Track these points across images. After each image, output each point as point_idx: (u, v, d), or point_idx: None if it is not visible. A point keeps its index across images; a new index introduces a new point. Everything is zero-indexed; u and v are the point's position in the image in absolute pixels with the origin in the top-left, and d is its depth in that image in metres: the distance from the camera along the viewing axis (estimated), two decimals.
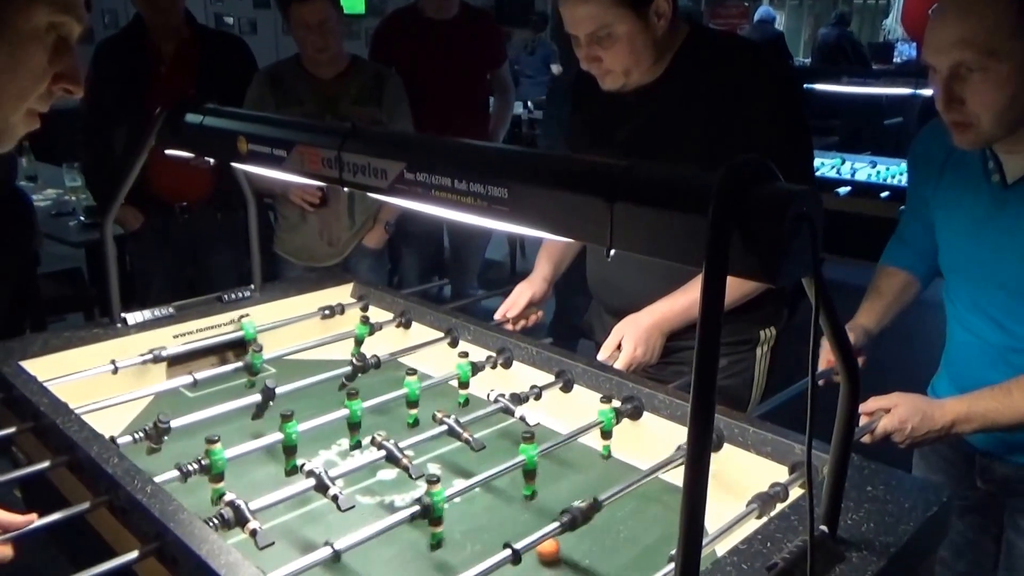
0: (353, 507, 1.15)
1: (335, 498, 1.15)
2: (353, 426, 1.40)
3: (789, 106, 1.65)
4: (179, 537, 1.03)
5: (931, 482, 1.25)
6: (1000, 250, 1.43)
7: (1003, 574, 1.61)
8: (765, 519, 1.13)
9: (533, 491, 1.28)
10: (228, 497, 1.10)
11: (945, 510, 1.19)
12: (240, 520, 1.08)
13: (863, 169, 3.94)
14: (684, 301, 1.69)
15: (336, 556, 1.02)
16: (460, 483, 1.34)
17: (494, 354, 1.65)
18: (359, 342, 1.79)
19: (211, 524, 1.07)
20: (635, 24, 1.55)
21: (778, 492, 1.15)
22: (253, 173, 1.48)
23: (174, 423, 1.34)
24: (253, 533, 1.07)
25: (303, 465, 1.20)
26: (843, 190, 3.59)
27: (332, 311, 1.92)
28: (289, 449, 1.31)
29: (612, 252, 0.90)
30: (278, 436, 1.30)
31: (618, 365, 1.66)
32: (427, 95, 3.08)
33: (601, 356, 1.69)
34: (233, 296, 1.88)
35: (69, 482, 1.29)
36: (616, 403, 1.43)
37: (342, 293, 2.03)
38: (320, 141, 1.15)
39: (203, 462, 1.21)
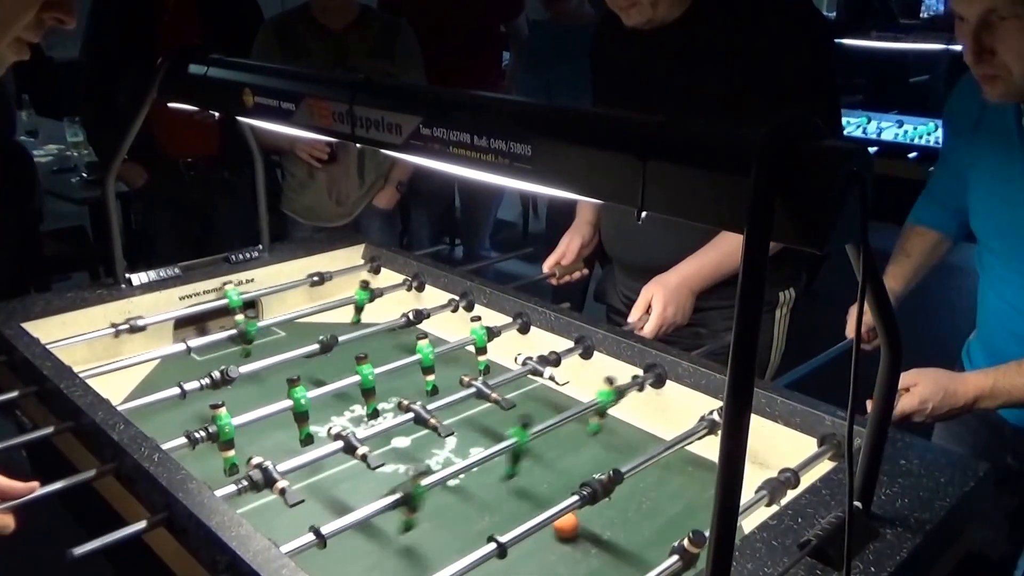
0: (383, 464, 1.15)
1: (364, 457, 1.13)
2: (367, 392, 1.35)
3: (822, 57, 1.57)
4: (188, 508, 1.00)
5: (967, 456, 1.19)
6: None
7: None
8: (794, 494, 1.08)
9: (513, 473, 1.22)
10: (256, 460, 1.08)
11: (982, 485, 1.14)
12: (268, 481, 1.06)
13: (889, 128, 3.83)
14: (713, 257, 1.63)
15: (323, 542, 0.98)
16: (478, 451, 1.31)
17: (511, 319, 1.60)
18: (359, 309, 1.74)
19: (240, 487, 1.04)
20: None
21: (789, 479, 1.10)
22: (259, 128, 1.42)
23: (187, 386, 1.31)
24: (282, 492, 1.05)
25: (330, 429, 1.17)
26: (871, 150, 3.49)
27: (321, 278, 1.84)
28: (300, 416, 1.27)
29: (644, 214, 0.83)
30: (287, 403, 1.26)
31: (648, 327, 1.61)
32: (439, 48, 2.99)
33: (632, 319, 1.64)
34: (241, 256, 1.83)
35: (74, 448, 1.26)
36: (629, 375, 1.38)
37: (353, 255, 1.97)
38: (330, 93, 1.09)
39: (210, 429, 1.18)
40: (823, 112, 1.58)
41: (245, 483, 1.05)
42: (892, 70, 4.82)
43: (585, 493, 1.05)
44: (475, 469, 1.16)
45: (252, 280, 1.79)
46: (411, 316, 1.64)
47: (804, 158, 0.73)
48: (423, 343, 1.45)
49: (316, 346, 1.49)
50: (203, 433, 1.17)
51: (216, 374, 1.33)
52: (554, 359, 1.43)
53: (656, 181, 0.80)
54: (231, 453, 1.19)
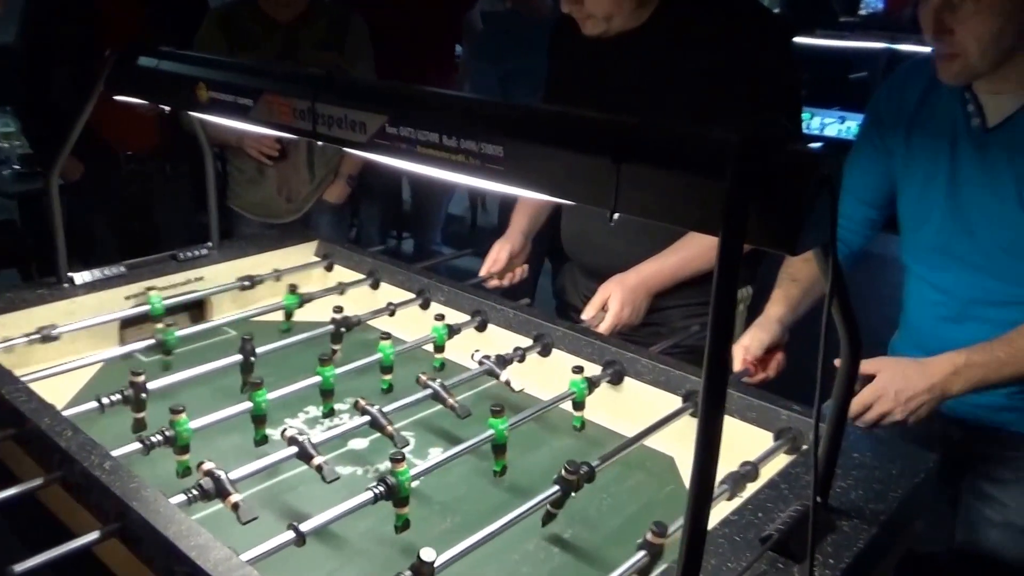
0: (338, 478, 1.10)
1: (319, 468, 1.09)
2: (326, 393, 1.34)
3: (788, 60, 1.58)
4: (143, 517, 0.96)
5: (917, 448, 1.23)
6: (979, 196, 1.40)
7: (960, 539, 1.59)
8: (753, 489, 1.10)
9: (503, 466, 1.22)
10: (207, 466, 1.03)
11: (931, 476, 1.18)
12: (221, 492, 1.02)
13: (832, 125, 3.93)
14: (674, 260, 1.65)
15: (301, 539, 0.96)
16: (436, 452, 1.30)
17: (469, 316, 1.59)
18: (288, 315, 1.66)
19: (189, 496, 1.00)
20: None
21: (749, 471, 1.12)
22: (207, 122, 1.38)
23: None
24: (235, 507, 1.01)
25: (284, 431, 1.14)
26: (815, 145, 3.55)
27: (252, 282, 1.75)
28: (259, 419, 1.25)
29: (616, 216, 0.84)
30: (247, 405, 1.23)
31: (604, 325, 1.62)
32: (390, 41, 2.95)
33: (585, 315, 1.65)
34: (189, 254, 1.78)
35: (15, 456, 1.21)
36: (589, 372, 1.38)
37: (305, 252, 1.94)
38: (292, 90, 1.06)
39: (167, 433, 1.14)
40: (788, 117, 1.59)
41: (195, 492, 1.01)
42: (833, 67, 4.93)
43: (557, 492, 1.05)
44: (435, 471, 1.15)
45: (201, 279, 1.75)
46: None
47: (777, 162, 0.74)
48: (385, 343, 1.43)
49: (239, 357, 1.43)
50: (159, 437, 1.13)
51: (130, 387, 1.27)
52: (511, 358, 1.43)
53: (630, 183, 0.80)
54: (185, 457, 1.16)
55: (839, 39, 4.55)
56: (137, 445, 1.12)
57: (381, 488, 1.03)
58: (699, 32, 1.54)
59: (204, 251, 1.81)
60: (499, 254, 1.88)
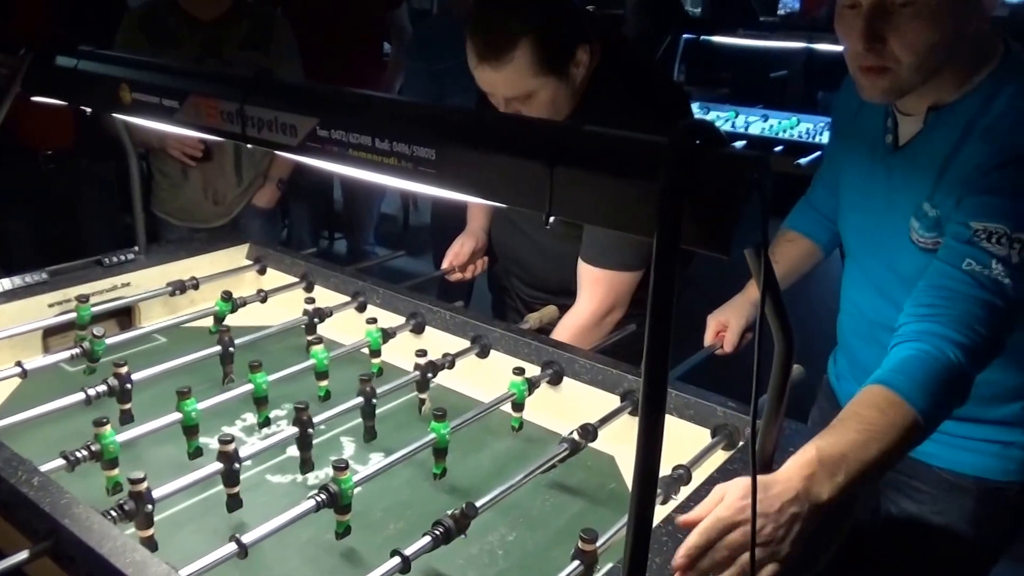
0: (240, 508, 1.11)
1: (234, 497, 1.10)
2: (259, 401, 1.31)
3: None
4: (76, 534, 0.93)
5: None
6: (881, 217, 1.35)
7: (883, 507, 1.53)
8: (694, 484, 1.12)
9: (443, 469, 1.22)
10: (135, 487, 1.00)
11: None
12: (143, 516, 0.99)
13: (756, 123, 4.01)
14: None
15: (243, 551, 0.95)
16: (377, 458, 1.29)
17: (405, 319, 1.58)
18: (219, 319, 1.61)
19: (110, 517, 0.97)
20: (556, 85, 1.49)
21: (681, 475, 1.13)
22: (130, 124, 1.33)
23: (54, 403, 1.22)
24: (148, 540, 1.00)
25: (220, 439, 1.10)
26: (739, 144, 3.65)
27: (184, 287, 1.70)
28: (190, 429, 1.21)
29: (551, 219, 0.84)
30: (173, 416, 1.20)
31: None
32: (317, 39, 2.90)
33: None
34: (115, 259, 1.72)
35: None
36: (528, 373, 1.38)
37: (237, 255, 1.89)
38: (220, 91, 1.03)
39: (93, 448, 1.10)
40: None
41: (114, 514, 0.98)
42: (755, 66, 5.05)
43: (438, 532, 1.00)
44: (378, 476, 1.14)
45: (128, 284, 1.69)
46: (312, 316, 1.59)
47: (708, 165, 0.75)
48: (317, 348, 1.41)
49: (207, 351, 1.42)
50: (84, 452, 1.09)
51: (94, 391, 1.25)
52: (442, 364, 1.43)
53: (564, 186, 0.81)
54: (115, 472, 1.13)
55: (760, 39, 4.66)
56: (61, 461, 1.08)
57: (323, 496, 1.02)
58: (615, 120, 1.51)
59: (131, 256, 1.75)
60: (462, 248, 1.92)
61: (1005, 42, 1.24)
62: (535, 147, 0.82)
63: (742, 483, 0.98)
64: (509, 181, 0.85)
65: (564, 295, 1.71)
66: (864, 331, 1.44)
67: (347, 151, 0.96)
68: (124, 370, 1.27)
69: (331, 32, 3.08)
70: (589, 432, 1.21)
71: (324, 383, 1.40)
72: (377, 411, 1.31)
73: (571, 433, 1.20)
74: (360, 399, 1.28)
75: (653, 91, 1.64)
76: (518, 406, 1.36)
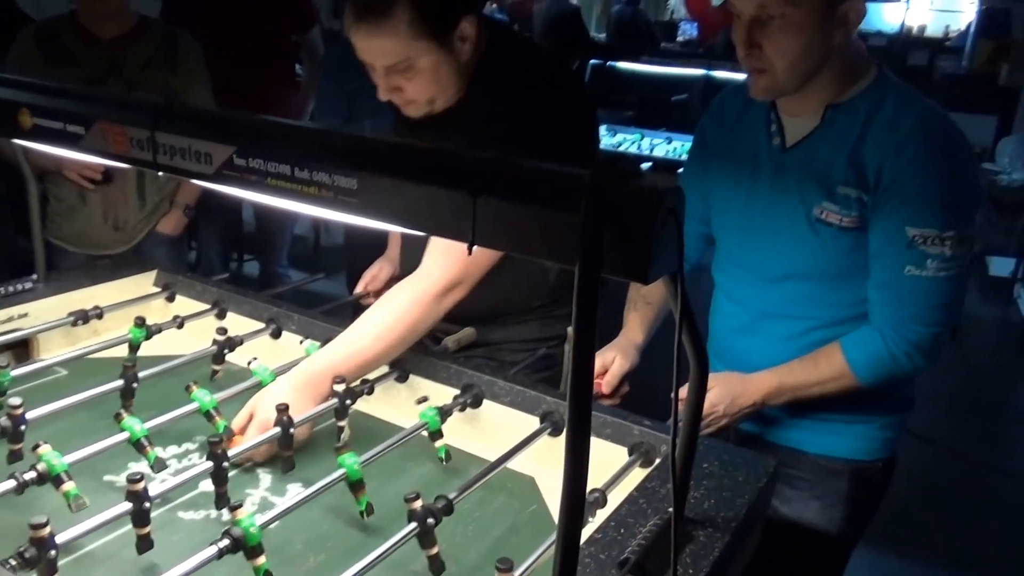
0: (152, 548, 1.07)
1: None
2: (138, 445, 1.23)
3: (589, 126, 1.65)
4: None
5: (759, 454, 1.32)
6: (770, 213, 1.50)
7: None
8: (614, 505, 1.14)
9: (367, 503, 1.19)
10: (36, 528, 0.94)
11: (773, 480, 1.27)
12: (46, 564, 0.94)
13: (660, 145, 4.14)
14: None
15: None
16: (295, 489, 1.26)
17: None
18: (134, 348, 1.55)
19: (8, 566, 0.92)
20: (438, 54, 1.44)
21: (597, 499, 1.15)
22: (28, 148, 1.28)
23: None
24: None
25: (128, 477, 1.05)
26: (645, 165, 3.75)
27: (87, 316, 1.62)
28: (139, 444, 1.18)
29: (474, 249, 0.85)
30: (81, 453, 1.15)
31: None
32: (226, 60, 2.84)
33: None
34: (12, 288, 1.64)
35: None
36: (445, 397, 1.39)
37: (143, 282, 1.83)
38: (129, 117, 1.00)
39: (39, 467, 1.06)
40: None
41: (13, 563, 0.92)
42: (658, 90, 5.22)
43: (415, 529, 1.04)
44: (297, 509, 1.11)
45: (26, 315, 1.61)
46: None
47: (626, 196, 0.77)
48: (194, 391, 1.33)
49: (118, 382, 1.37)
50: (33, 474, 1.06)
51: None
52: (368, 388, 1.41)
53: (487, 216, 0.82)
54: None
55: (662, 65, 4.84)
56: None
57: (226, 542, 0.97)
58: (506, 106, 1.51)
59: (28, 284, 1.67)
60: (379, 272, 1.89)
61: (878, 65, 1.44)
62: (458, 177, 0.83)
63: (714, 396, 1.44)
64: (432, 211, 0.86)
65: (480, 320, 1.70)
66: (747, 323, 1.58)
67: (265, 180, 0.94)
68: (20, 411, 1.20)
69: (242, 54, 3.03)
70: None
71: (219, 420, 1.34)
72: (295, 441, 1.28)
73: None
74: (277, 429, 1.25)
75: (541, 67, 1.63)
76: (436, 435, 1.34)
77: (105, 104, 1.04)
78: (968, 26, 8.27)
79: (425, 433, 1.33)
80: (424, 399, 1.34)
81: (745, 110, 1.54)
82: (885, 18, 10.61)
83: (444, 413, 1.34)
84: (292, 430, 1.26)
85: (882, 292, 1.41)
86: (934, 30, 10.55)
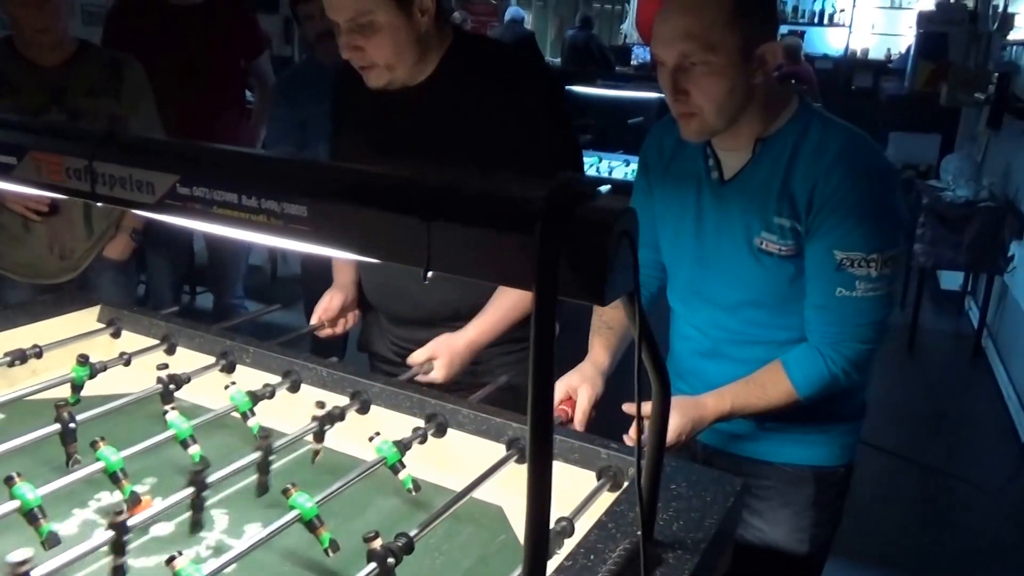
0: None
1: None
2: (114, 476, 1.20)
3: (559, 110, 1.69)
4: None
5: (725, 474, 1.30)
6: (719, 243, 1.53)
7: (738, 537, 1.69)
8: (583, 531, 1.12)
9: (329, 539, 1.13)
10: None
11: (740, 498, 1.25)
12: None
13: (619, 167, 4.16)
14: (494, 319, 1.70)
15: None
16: (254, 528, 1.22)
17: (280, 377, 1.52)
18: (77, 388, 1.48)
19: None
20: (397, 16, 1.53)
21: (564, 527, 1.12)
22: None
23: None
24: None
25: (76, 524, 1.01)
26: (604, 188, 3.75)
27: (24, 356, 1.55)
28: (31, 516, 1.10)
29: (430, 274, 0.82)
30: (10, 504, 1.09)
31: (434, 375, 1.65)
32: (174, 86, 2.79)
33: (412, 360, 1.67)
34: None
35: None
36: (405, 428, 1.36)
37: (87, 318, 1.76)
38: (65, 147, 0.96)
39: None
40: (570, 161, 1.71)
41: None
42: (615, 114, 5.26)
43: (389, 562, 1.01)
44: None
45: None
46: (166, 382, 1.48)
47: (580, 218, 0.76)
48: (172, 416, 1.32)
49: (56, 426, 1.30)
50: None
51: None
52: (338, 413, 1.38)
53: (441, 241, 0.79)
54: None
55: (617, 88, 4.90)
56: None
57: None
58: (473, 92, 1.62)
59: None
60: (331, 302, 1.88)
61: (800, 96, 1.49)
62: (411, 202, 0.81)
63: (675, 424, 1.43)
64: (386, 237, 0.83)
65: (466, 318, 1.71)
66: (707, 348, 1.61)
67: (211, 209, 0.91)
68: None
69: (191, 81, 2.98)
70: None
71: (193, 451, 1.31)
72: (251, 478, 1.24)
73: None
74: (258, 453, 1.24)
75: (509, 52, 1.73)
76: (396, 467, 1.29)
77: (39, 132, 1.00)
78: (908, 49, 8.51)
79: (386, 467, 1.29)
80: (376, 435, 1.30)
81: (683, 142, 1.54)
82: (830, 42, 10.92)
83: (403, 446, 1.31)
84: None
85: (818, 313, 1.46)
86: (876, 53, 10.85)
